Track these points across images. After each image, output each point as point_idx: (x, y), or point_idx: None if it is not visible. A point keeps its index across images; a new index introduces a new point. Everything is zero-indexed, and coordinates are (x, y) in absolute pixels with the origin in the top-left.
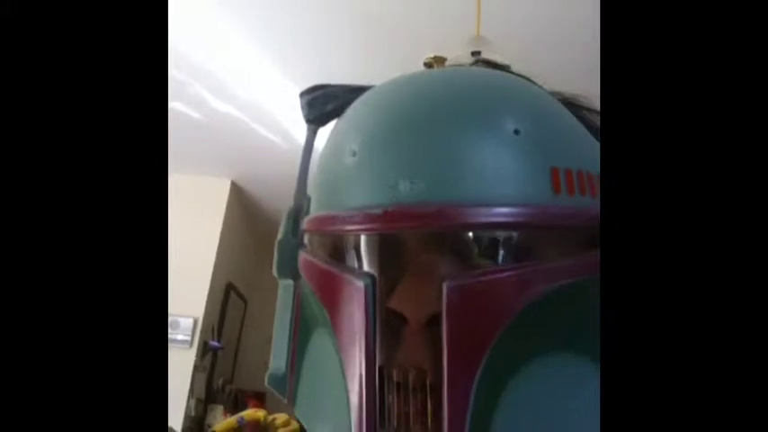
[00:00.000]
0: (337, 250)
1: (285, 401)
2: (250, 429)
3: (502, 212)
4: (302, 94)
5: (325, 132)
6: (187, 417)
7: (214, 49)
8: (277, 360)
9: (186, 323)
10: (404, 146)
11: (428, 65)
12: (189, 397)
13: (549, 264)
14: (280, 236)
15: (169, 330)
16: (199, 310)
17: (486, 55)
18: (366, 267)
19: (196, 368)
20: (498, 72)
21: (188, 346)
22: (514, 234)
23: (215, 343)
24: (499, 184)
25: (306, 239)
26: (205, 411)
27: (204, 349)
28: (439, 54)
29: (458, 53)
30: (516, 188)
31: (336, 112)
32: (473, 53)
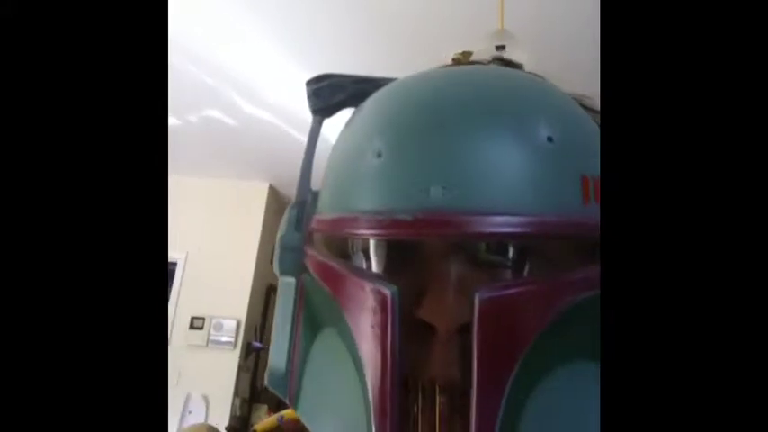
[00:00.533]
0: (342, 248)
1: (287, 402)
2: (289, 428)
3: (535, 222)
4: (308, 84)
5: (330, 124)
6: (233, 416)
7: (243, 55)
8: (277, 359)
9: (230, 325)
10: (436, 149)
11: (456, 60)
12: (234, 396)
13: (580, 274)
14: (282, 231)
15: (213, 332)
16: (241, 311)
17: (509, 48)
18: (375, 269)
19: (240, 368)
20: (524, 73)
21: (232, 347)
22: (545, 244)
23: (258, 344)
24: (533, 192)
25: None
26: (250, 410)
27: (248, 350)
28: (460, 48)
29: (481, 47)
30: (549, 197)
31: (344, 104)
32: (497, 47)
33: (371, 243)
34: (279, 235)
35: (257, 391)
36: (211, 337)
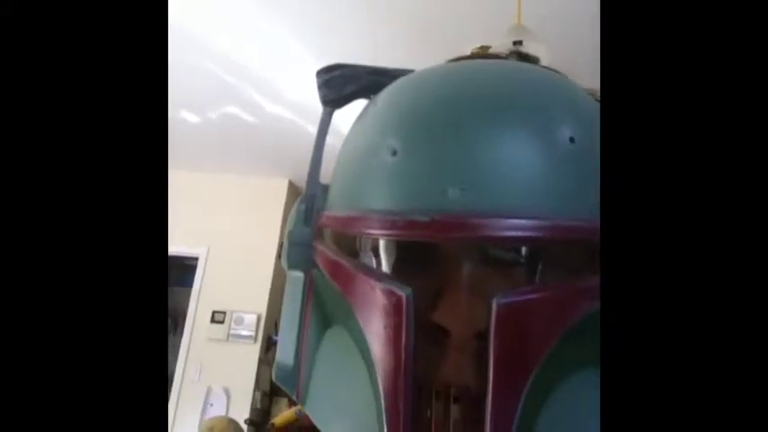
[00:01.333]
0: (351, 245)
1: (294, 398)
2: (307, 421)
3: (554, 226)
4: (318, 74)
5: (342, 115)
6: (253, 409)
7: (262, 52)
8: (284, 354)
9: (250, 319)
10: (454, 149)
11: (475, 55)
12: (254, 390)
13: (597, 281)
14: (290, 226)
15: (234, 326)
16: (262, 306)
17: (526, 44)
18: (385, 268)
19: (261, 362)
20: (544, 69)
21: (252, 341)
22: (564, 248)
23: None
24: (553, 195)
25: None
26: (270, 404)
27: (268, 344)
28: (477, 44)
29: (498, 42)
30: (569, 201)
31: (356, 95)
32: (515, 43)
33: (382, 242)
34: (287, 229)
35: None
36: (232, 331)
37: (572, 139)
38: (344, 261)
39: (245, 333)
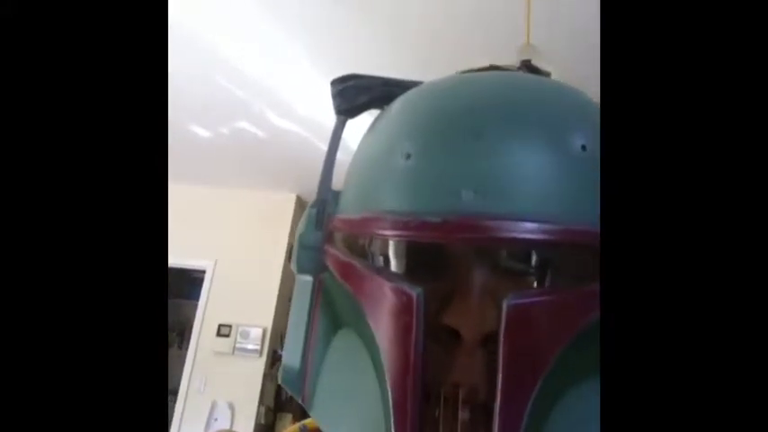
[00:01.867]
0: (363, 249)
1: (300, 401)
2: None
3: (565, 230)
4: (333, 83)
5: (350, 127)
6: (257, 424)
7: (274, 67)
8: (291, 357)
9: (256, 333)
10: (469, 153)
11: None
12: (259, 404)
13: None
14: (302, 229)
15: (240, 339)
16: (268, 320)
17: (536, 63)
18: (394, 269)
19: (266, 377)
20: (556, 81)
21: (258, 355)
22: (572, 254)
23: None
24: (565, 201)
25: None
26: (275, 419)
27: (274, 358)
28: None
29: (507, 63)
30: (580, 207)
31: (368, 105)
32: (523, 62)
33: (394, 245)
34: (298, 233)
35: (282, 399)
36: (238, 345)
37: (584, 147)
38: (356, 262)
39: (250, 347)
